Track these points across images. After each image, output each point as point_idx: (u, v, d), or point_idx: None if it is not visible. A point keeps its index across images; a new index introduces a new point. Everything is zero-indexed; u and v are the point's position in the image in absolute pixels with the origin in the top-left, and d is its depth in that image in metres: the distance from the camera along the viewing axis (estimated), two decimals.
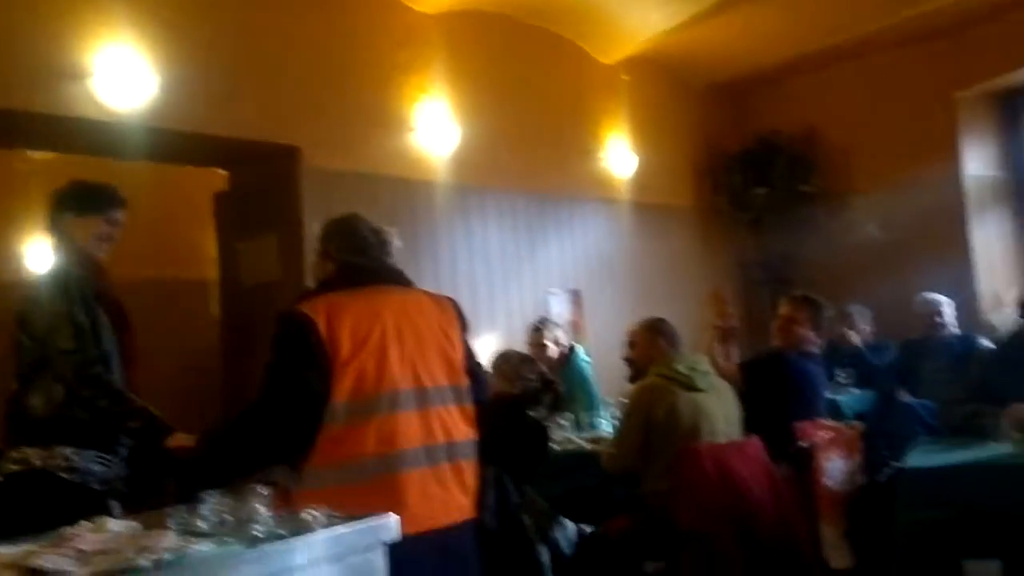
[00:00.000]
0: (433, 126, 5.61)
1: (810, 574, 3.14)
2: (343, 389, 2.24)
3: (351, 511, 1.94)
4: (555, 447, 4.30)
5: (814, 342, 4.18)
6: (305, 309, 2.31)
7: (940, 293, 5.80)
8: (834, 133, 7.35)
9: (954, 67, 6.67)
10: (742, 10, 6.30)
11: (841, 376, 5.74)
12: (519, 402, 3.87)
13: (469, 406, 2.44)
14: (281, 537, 1.77)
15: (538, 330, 5.21)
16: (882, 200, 6.80)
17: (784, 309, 4.29)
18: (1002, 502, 2.64)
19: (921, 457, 2.95)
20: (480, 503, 3.25)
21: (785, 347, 4.16)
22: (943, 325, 5.64)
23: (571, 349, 5.24)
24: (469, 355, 2.52)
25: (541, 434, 3.85)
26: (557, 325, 5.38)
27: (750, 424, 3.86)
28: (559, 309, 6.25)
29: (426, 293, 2.57)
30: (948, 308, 5.69)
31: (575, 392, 4.98)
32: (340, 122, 5.16)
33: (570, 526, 3.82)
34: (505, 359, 4.05)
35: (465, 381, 2.46)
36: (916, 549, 2.66)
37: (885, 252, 6.76)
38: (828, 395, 5.41)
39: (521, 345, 5.66)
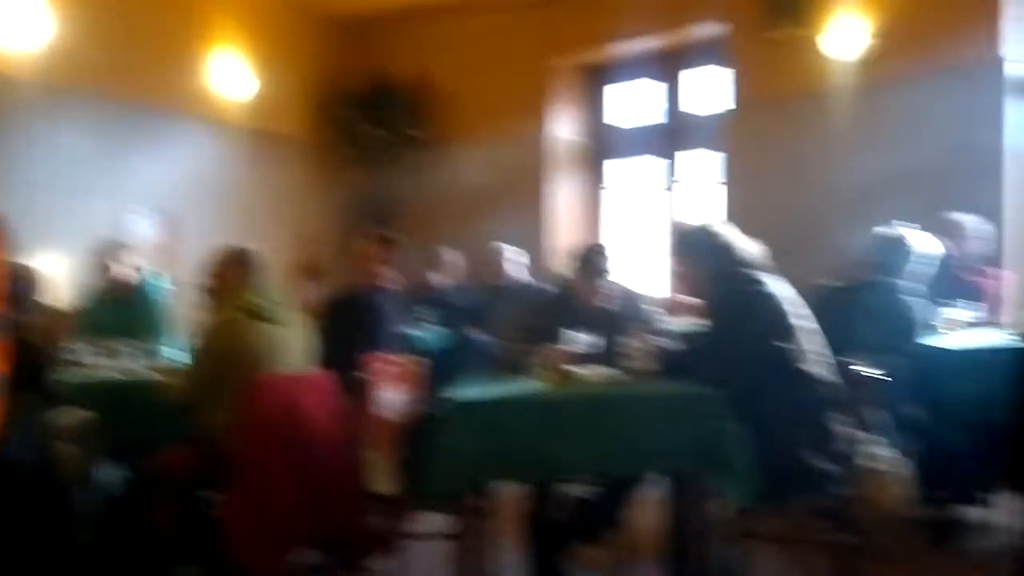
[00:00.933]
0: (15, 14, 4.99)
1: (359, 500, 3.31)
2: None
3: None
4: (119, 376, 4.13)
5: (388, 278, 4.37)
6: None
7: (516, 242, 6.34)
8: (444, 83, 7.62)
9: (547, 37, 7.18)
10: None
11: (425, 314, 6.09)
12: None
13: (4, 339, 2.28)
14: None
15: (103, 252, 4.87)
16: (479, 152, 7.25)
17: (361, 247, 4.44)
18: (529, 433, 2.95)
19: (466, 390, 3.19)
20: (6, 438, 3.03)
21: (360, 283, 4.33)
22: (510, 273, 6.17)
23: (143, 275, 5.01)
24: (15, 281, 2.33)
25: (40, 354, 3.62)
26: (131, 248, 5.07)
27: (327, 357, 3.97)
28: (148, 231, 5.91)
29: None
30: (515, 256, 6.20)
31: (145, 320, 4.80)
32: None
33: (120, 463, 3.70)
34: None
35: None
36: (453, 475, 2.88)
37: (477, 201, 7.22)
38: (410, 331, 5.76)
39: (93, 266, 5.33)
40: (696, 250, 3.35)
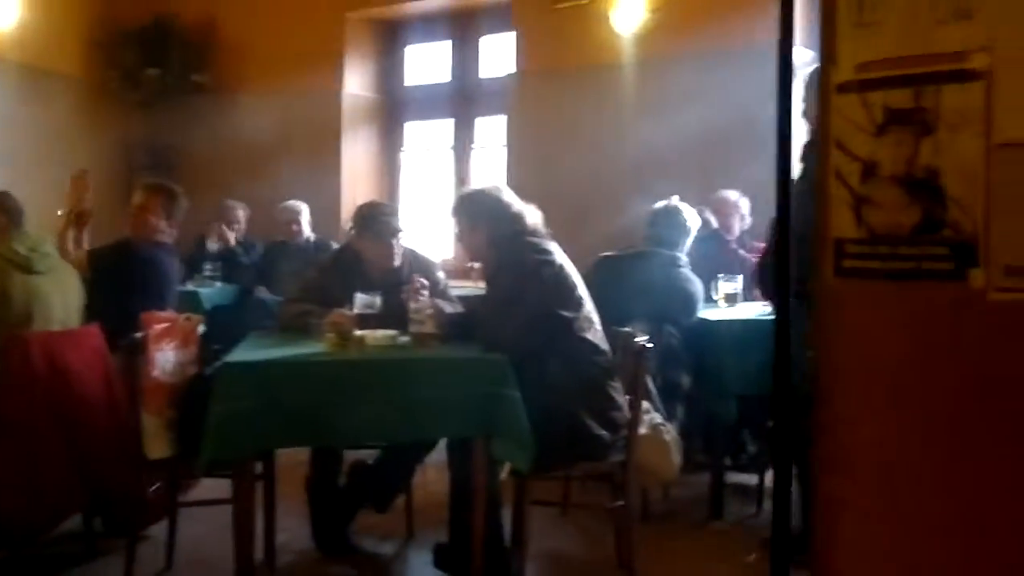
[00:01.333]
0: None
1: (131, 464, 3.19)
2: None
3: None
4: None
5: (166, 231, 4.20)
6: None
7: (307, 199, 6.23)
8: (233, 29, 7.31)
9: None
10: None
11: (208, 269, 5.89)
12: None
13: None
14: None
15: None
16: (268, 103, 7.01)
17: (138, 197, 4.24)
18: (309, 396, 2.90)
19: (245, 351, 3.13)
20: None
21: (136, 236, 4.13)
22: (300, 231, 6.08)
23: None
24: None
25: None
26: None
27: (95, 313, 3.77)
28: None
29: None
30: (305, 215, 6.12)
31: None
32: None
33: None
34: None
35: None
36: (226, 437, 2.79)
37: (265, 154, 6.98)
38: (192, 287, 5.56)
39: None
40: (475, 212, 3.37)
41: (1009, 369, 1.32)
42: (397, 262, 3.70)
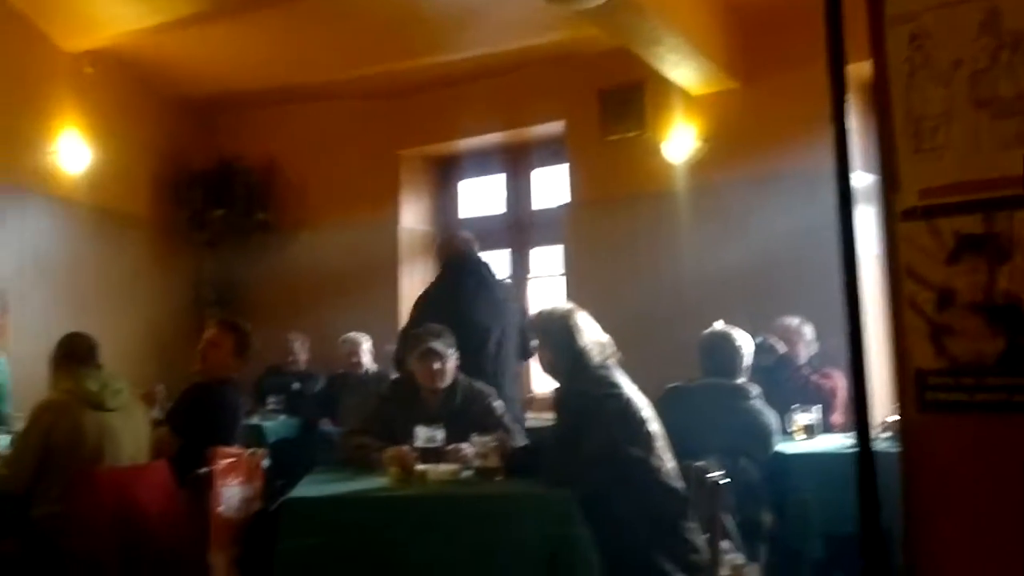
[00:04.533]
0: None
1: None
2: None
3: None
4: None
5: (232, 367, 4.27)
6: None
7: (367, 331, 6.32)
8: (292, 167, 7.61)
9: (399, 128, 7.30)
10: (217, 29, 6.31)
11: (271, 403, 5.96)
12: None
13: None
14: None
15: None
16: (327, 239, 7.22)
17: (209, 333, 4.32)
18: (372, 533, 2.85)
19: (308, 486, 3.11)
20: None
21: (204, 371, 4.21)
22: (360, 363, 6.14)
23: None
24: None
25: None
26: None
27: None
28: None
29: None
30: (366, 346, 6.21)
31: None
32: None
33: None
34: None
35: None
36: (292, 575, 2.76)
37: (325, 287, 7.15)
38: (256, 421, 5.61)
39: None
40: (542, 333, 3.31)
41: None
42: (442, 384, 3.68)
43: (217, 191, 7.44)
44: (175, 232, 7.50)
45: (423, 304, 4.50)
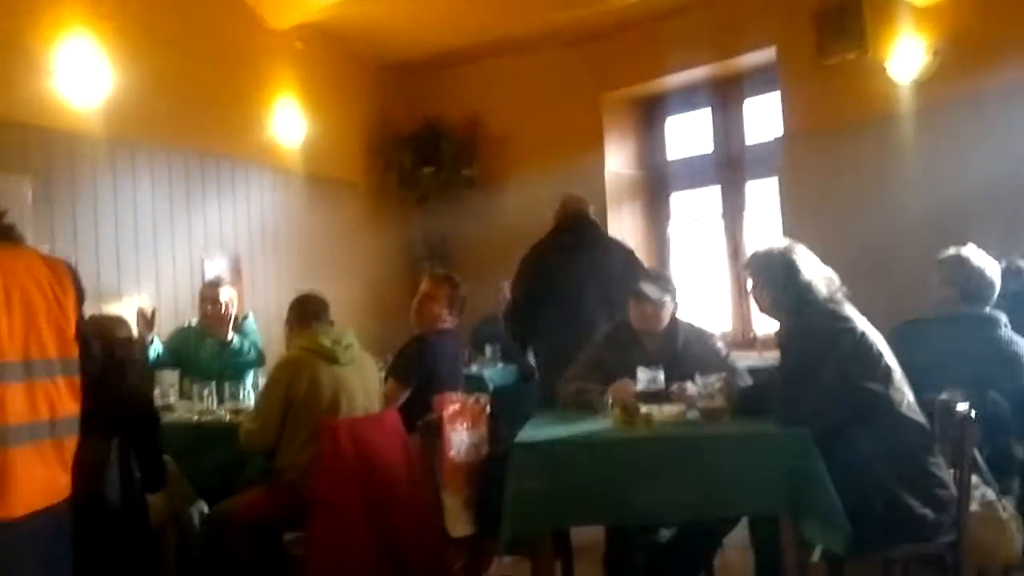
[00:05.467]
0: (77, 69, 5.11)
1: (433, 541, 3.29)
2: None
3: None
4: (194, 417, 4.18)
5: (447, 319, 4.36)
6: None
7: None
8: (495, 122, 7.72)
9: (601, 71, 7.23)
10: None
11: (489, 351, 6.09)
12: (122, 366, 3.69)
13: (76, 378, 2.30)
14: None
15: (214, 286, 4.99)
16: (533, 189, 7.23)
17: (424, 286, 4.43)
18: (602, 475, 2.86)
19: (534, 430, 3.14)
20: (102, 478, 3.12)
21: (420, 323, 4.33)
22: None
23: (245, 316, 5.13)
24: (80, 324, 2.36)
25: (142, 399, 3.70)
26: (231, 286, 5.18)
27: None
28: (224, 274, 6.02)
29: (39, 255, 2.35)
30: None
31: (238, 360, 4.89)
32: None
33: (198, 504, 3.74)
34: (95, 323, 3.83)
35: (75, 352, 2.31)
36: (521, 516, 2.82)
37: (534, 237, 7.18)
38: (476, 370, 5.75)
39: (174, 310, 5.42)
40: (762, 273, 3.19)
41: None
42: (657, 327, 3.60)
43: (424, 151, 7.66)
44: (386, 193, 7.81)
45: (526, 262, 4.72)
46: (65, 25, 5.12)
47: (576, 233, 4.66)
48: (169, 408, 4.25)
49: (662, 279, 3.73)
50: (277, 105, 6.76)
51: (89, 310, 4.87)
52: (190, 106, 5.91)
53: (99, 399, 2.90)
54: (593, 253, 4.55)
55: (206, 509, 3.72)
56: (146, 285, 5.56)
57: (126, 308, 5.00)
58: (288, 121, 6.77)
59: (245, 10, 6.57)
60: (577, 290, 4.40)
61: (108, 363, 3.62)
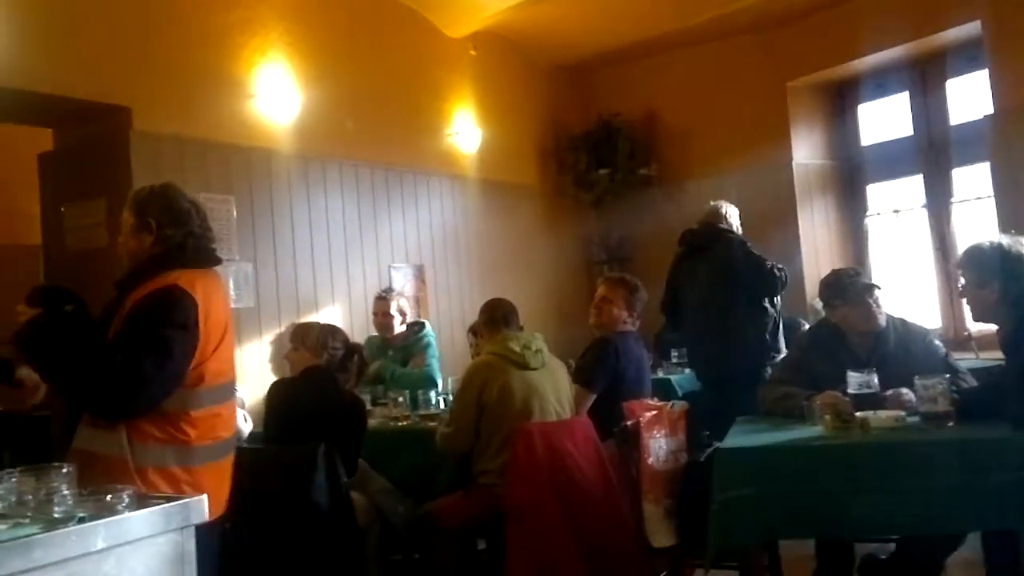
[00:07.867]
0: (273, 91, 5.42)
1: (633, 551, 3.21)
2: (212, 372, 2.34)
3: (184, 491, 2.08)
4: (391, 423, 4.28)
5: (628, 322, 4.28)
6: (184, 286, 2.31)
7: None
8: (672, 118, 7.55)
9: (785, 58, 6.92)
10: None
11: (675, 356, 5.94)
12: (330, 373, 3.82)
13: None
14: (81, 519, 1.67)
15: (383, 298, 5.14)
16: (715, 186, 6.99)
17: (601, 289, 4.38)
18: (815, 484, 2.71)
19: (738, 436, 3.02)
20: (311, 481, 3.23)
21: (599, 327, 4.27)
22: None
23: (421, 324, 5.22)
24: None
25: (356, 405, 3.82)
26: (403, 296, 5.33)
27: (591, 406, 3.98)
28: (402, 283, 6.19)
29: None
30: None
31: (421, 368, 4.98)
32: (172, 83, 4.92)
33: (405, 503, 3.82)
34: (307, 331, 3.98)
35: None
36: (729, 526, 2.71)
37: None
38: (661, 374, 5.63)
39: (365, 319, 5.59)
40: (984, 268, 2.96)
41: None
42: (882, 321, 3.38)
43: (598, 152, 7.58)
44: (562, 196, 7.76)
45: (670, 272, 5.03)
46: (262, 52, 5.43)
47: (701, 240, 4.90)
48: (369, 414, 4.37)
49: (861, 273, 3.58)
50: (454, 113, 6.86)
51: (288, 320, 5.17)
52: (373, 120, 6.11)
53: (317, 403, 3.09)
54: (718, 261, 4.73)
55: (408, 506, 3.80)
56: (339, 295, 5.76)
57: (323, 318, 5.18)
58: (465, 128, 6.86)
59: (423, 22, 6.71)
60: (703, 293, 4.71)
61: (343, 364, 3.84)
